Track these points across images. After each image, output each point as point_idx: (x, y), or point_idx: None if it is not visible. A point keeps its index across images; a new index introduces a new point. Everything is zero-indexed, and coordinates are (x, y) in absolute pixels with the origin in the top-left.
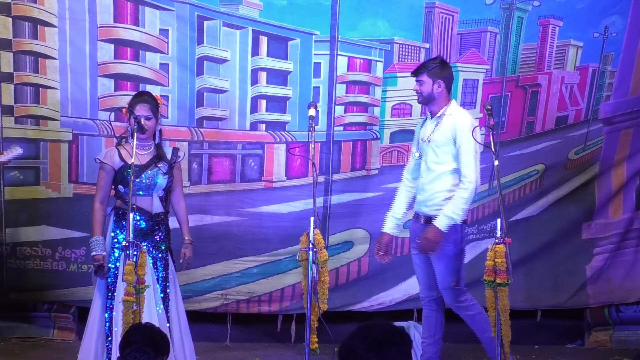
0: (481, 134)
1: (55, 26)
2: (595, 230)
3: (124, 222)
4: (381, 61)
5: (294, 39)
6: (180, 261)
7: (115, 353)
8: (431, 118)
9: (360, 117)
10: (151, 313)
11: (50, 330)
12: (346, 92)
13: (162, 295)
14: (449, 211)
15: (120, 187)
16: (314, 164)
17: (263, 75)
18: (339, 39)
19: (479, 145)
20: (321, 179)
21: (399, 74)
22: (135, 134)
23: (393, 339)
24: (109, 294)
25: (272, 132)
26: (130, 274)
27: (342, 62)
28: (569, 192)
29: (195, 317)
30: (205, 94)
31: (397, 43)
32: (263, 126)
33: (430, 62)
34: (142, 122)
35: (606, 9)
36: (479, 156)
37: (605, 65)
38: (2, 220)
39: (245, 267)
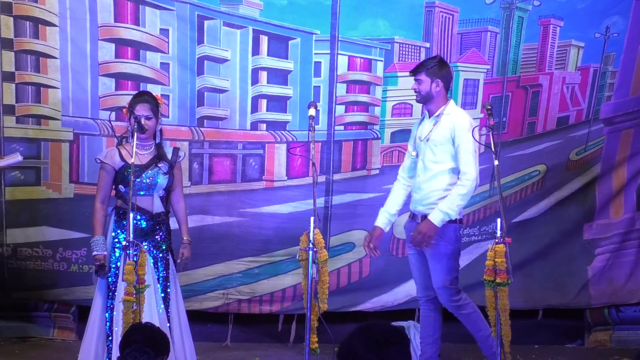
0: (482, 134)
1: (56, 25)
2: (596, 231)
3: (124, 222)
4: (381, 60)
5: (295, 39)
6: (178, 261)
7: (116, 353)
8: (429, 117)
9: (360, 117)
10: (152, 313)
11: (50, 330)
12: (347, 92)
13: (162, 295)
14: (444, 206)
15: (120, 187)
16: (313, 164)
17: (263, 75)
18: (340, 39)
19: (477, 145)
20: (322, 178)
21: (399, 74)
22: (136, 133)
23: (393, 339)
24: (110, 294)
25: (272, 132)
26: (130, 274)
27: (342, 62)
28: (571, 193)
29: (195, 317)
30: (205, 93)
31: (397, 42)
32: (264, 126)
33: (429, 61)
34: (142, 122)
35: (607, 9)
36: (478, 156)
37: (607, 65)
38: (3, 221)
39: (247, 267)
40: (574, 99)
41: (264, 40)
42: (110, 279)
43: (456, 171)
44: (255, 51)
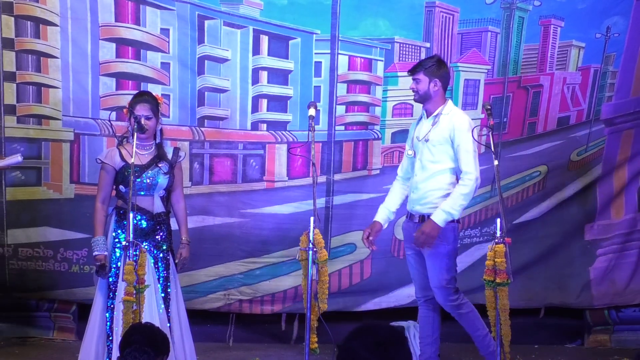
0: (482, 135)
1: (57, 25)
2: (597, 232)
3: (125, 222)
4: (382, 60)
5: (295, 38)
6: (176, 261)
7: (116, 353)
8: (427, 117)
9: (361, 117)
10: (152, 313)
11: (50, 330)
12: (347, 92)
13: (163, 295)
14: (447, 206)
15: (121, 187)
16: (313, 164)
17: (264, 75)
18: (340, 38)
19: (477, 144)
20: (323, 179)
21: (399, 74)
22: (135, 133)
23: (393, 339)
24: (110, 294)
25: (273, 132)
26: (130, 274)
27: (342, 61)
28: (572, 194)
29: (196, 317)
30: (206, 93)
31: (397, 42)
32: (264, 126)
33: (427, 60)
34: (142, 122)
35: (608, 9)
36: (477, 155)
37: (607, 65)
38: (4, 222)
39: (248, 268)
40: (575, 99)
41: (265, 40)
42: (110, 279)
43: (454, 171)
44: (256, 51)
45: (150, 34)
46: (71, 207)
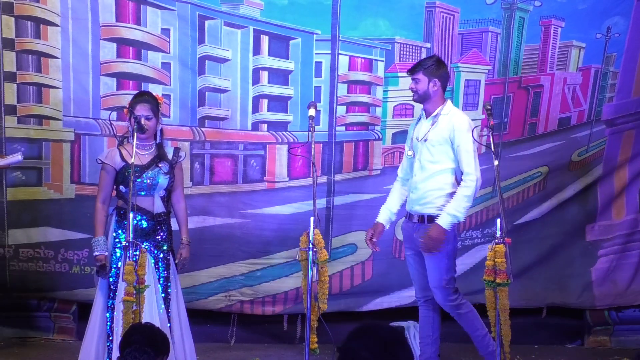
0: (482, 135)
1: (57, 25)
2: (598, 232)
3: (125, 222)
4: (382, 61)
5: (295, 38)
6: (176, 262)
7: (116, 353)
8: (426, 117)
9: (362, 117)
10: (152, 313)
11: (50, 330)
12: (348, 92)
13: (163, 295)
14: (451, 209)
15: (121, 187)
16: (313, 164)
17: (264, 75)
18: (340, 38)
19: (477, 145)
20: (323, 179)
21: (400, 74)
22: (135, 134)
23: (394, 340)
24: (111, 294)
25: (273, 132)
26: (130, 274)
27: (343, 62)
28: (573, 195)
29: (196, 318)
30: (206, 93)
31: (398, 42)
32: (265, 126)
33: (426, 60)
34: (142, 122)
35: (608, 9)
36: (477, 155)
37: (608, 66)
38: (5, 222)
39: (249, 270)
40: (576, 99)
41: (265, 40)
42: (111, 279)
43: (453, 171)
44: (256, 51)
45: (151, 34)
46: (72, 207)
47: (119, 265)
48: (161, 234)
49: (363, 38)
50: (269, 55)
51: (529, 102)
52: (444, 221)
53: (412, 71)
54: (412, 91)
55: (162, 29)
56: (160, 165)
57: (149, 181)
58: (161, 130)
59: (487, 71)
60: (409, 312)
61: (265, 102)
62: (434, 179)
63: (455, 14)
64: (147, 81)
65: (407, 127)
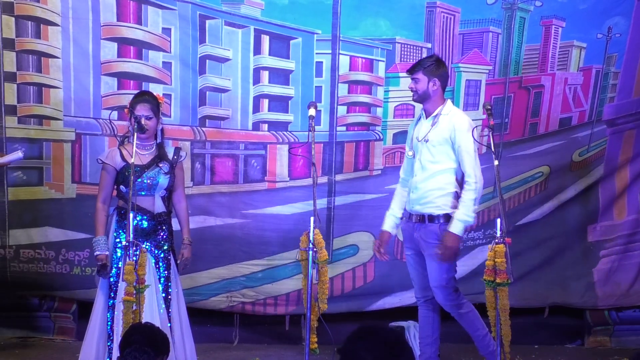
0: (483, 135)
1: (58, 25)
2: (600, 233)
3: (126, 222)
4: (383, 61)
5: (296, 38)
6: (178, 262)
7: (116, 353)
8: (426, 117)
9: (362, 118)
10: (152, 313)
11: (50, 330)
12: (348, 92)
13: (163, 295)
14: (461, 215)
15: (122, 187)
16: (313, 164)
17: (265, 75)
18: (341, 38)
19: (477, 144)
20: (324, 179)
21: (401, 74)
22: (136, 133)
23: (395, 341)
24: (112, 294)
25: (274, 132)
26: (130, 274)
27: (344, 62)
28: (574, 195)
29: (196, 318)
30: (207, 92)
31: (398, 43)
32: (265, 126)
33: (426, 60)
34: (143, 122)
35: (609, 9)
36: (478, 155)
37: (609, 66)
38: (6, 222)
39: (250, 271)
40: (577, 100)
41: (266, 40)
42: (112, 279)
43: (454, 171)
44: (257, 51)
45: (152, 33)
46: (73, 206)
47: (120, 265)
48: (162, 234)
49: (364, 38)
50: (269, 55)
51: (530, 102)
52: (457, 228)
53: (411, 71)
54: (412, 91)
55: (163, 28)
56: (160, 165)
57: (149, 181)
58: (162, 130)
59: (487, 71)
60: (409, 312)
61: (266, 102)
62: (435, 179)
63: (456, 14)
64: (147, 81)
65: (408, 128)
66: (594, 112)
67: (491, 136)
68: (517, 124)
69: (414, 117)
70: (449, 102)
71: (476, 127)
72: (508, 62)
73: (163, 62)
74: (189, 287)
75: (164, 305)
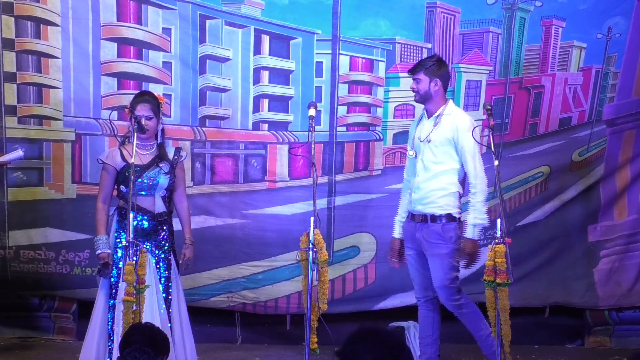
0: (483, 135)
1: (58, 25)
2: (600, 233)
3: (126, 222)
4: (383, 61)
5: (296, 38)
6: (180, 262)
7: (116, 353)
8: (428, 117)
9: (362, 118)
10: (153, 313)
11: (50, 330)
12: (348, 92)
13: (164, 295)
14: (473, 219)
15: (122, 187)
16: (313, 164)
17: (265, 74)
18: (341, 38)
19: (479, 144)
20: (324, 179)
21: (401, 74)
22: (136, 134)
23: (395, 342)
24: (112, 294)
25: (274, 132)
26: (130, 274)
27: (344, 62)
28: (575, 195)
29: (197, 318)
30: (207, 92)
31: (399, 43)
32: (265, 126)
33: (427, 60)
34: (143, 122)
35: (609, 9)
36: (480, 154)
37: (609, 66)
38: (6, 223)
39: (251, 272)
40: (577, 100)
41: (266, 40)
42: (112, 279)
43: (456, 172)
44: (257, 50)
45: (152, 33)
46: (73, 207)
47: (120, 266)
48: (162, 234)
49: (364, 38)
50: (269, 54)
51: (530, 102)
52: (473, 233)
53: (412, 71)
54: (414, 91)
55: (163, 28)
56: (160, 165)
57: (149, 181)
58: (162, 130)
59: (488, 72)
60: (409, 312)
61: (266, 102)
62: (438, 179)
63: (456, 14)
64: (148, 81)
65: (408, 128)
66: (594, 112)
67: (491, 136)
68: (517, 124)
69: (414, 117)
70: (450, 102)
71: (477, 126)
72: (508, 63)
73: (163, 62)
74: (190, 287)
75: (164, 306)
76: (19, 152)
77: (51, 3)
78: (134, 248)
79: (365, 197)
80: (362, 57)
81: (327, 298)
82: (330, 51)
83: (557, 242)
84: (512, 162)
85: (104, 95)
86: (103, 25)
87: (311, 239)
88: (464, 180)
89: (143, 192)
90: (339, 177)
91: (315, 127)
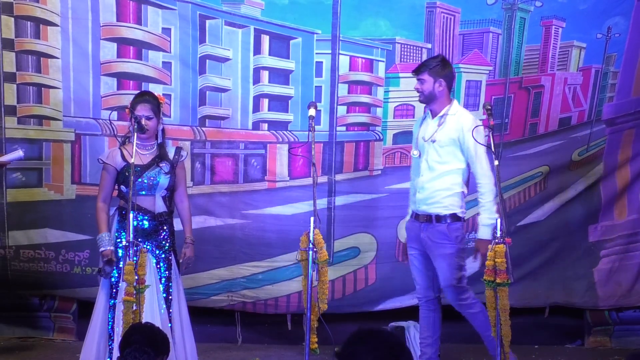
0: (485, 135)
1: (57, 25)
2: (601, 233)
3: (127, 222)
4: (383, 61)
5: (296, 38)
6: (181, 261)
7: (116, 353)
8: (432, 117)
9: (362, 118)
10: (153, 313)
11: (50, 330)
12: (348, 92)
13: (164, 295)
14: (485, 220)
15: (122, 187)
16: (313, 164)
17: (265, 74)
18: (341, 38)
19: (485, 140)
20: (324, 179)
21: (401, 75)
22: (136, 134)
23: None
24: (113, 293)
25: (274, 132)
26: (130, 274)
27: (344, 62)
28: (575, 195)
29: (197, 318)
30: (207, 92)
31: (398, 43)
32: (265, 125)
33: (431, 60)
34: (143, 122)
35: (609, 9)
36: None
37: (608, 66)
38: (5, 223)
39: (251, 272)
40: (576, 99)
41: (266, 40)
42: (113, 279)
43: (461, 172)
44: (257, 50)
45: (152, 33)
46: (72, 208)
47: (121, 265)
48: (163, 233)
49: (363, 38)
50: (269, 54)
51: (530, 102)
52: (486, 234)
53: (417, 71)
54: (418, 92)
55: (163, 28)
56: (161, 165)
57: (149, 181)
58: (163, 129)
59: (488, 72)
60: (409, 312)
61: (265, 102)
62: (442, 179)
63: (456, 15)
64: (147, 81)
65: (408, 128)
66: (594, 111)
67: (491, 136)
68: (517, 124)
69: (414, 117)
70: (455, 102)
71: (479, 126)
72: (508, 63)
73: (163, 62)
74: (190, 287)
75: (164, 306)
76: (19, 153)
77: (51, 3)
78: (134, 248)
79: (366, 197)
80: (362, 57)
81: (327, 298)
82: (330, 51)
83: (557, 242)
84: (512, 162)
85: (103, 95)
86: (103, 26)
87: (311, 239)
88: (468, 181)
89: (143, 192)
90: (338, 177)
91: (315, 127)
